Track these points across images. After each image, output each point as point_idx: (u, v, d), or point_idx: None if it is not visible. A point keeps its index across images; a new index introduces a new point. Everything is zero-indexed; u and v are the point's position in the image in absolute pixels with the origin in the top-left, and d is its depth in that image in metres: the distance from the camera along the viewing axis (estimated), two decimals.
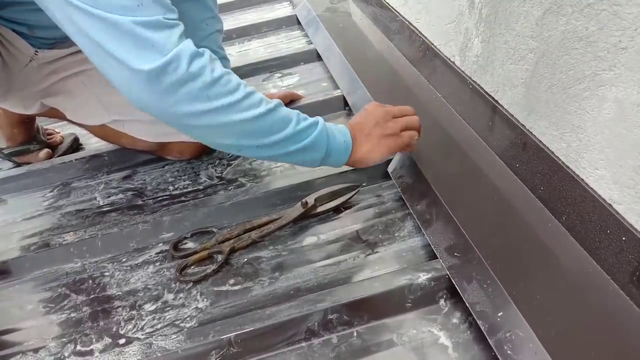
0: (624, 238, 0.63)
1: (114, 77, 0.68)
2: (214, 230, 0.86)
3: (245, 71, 1.31)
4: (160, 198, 0.98)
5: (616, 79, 0.61)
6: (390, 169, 0.92)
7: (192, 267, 0.82)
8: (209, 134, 0.74)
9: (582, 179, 0.70)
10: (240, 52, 1.48)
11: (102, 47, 0.65)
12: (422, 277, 0.69)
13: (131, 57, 0.64)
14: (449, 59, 1.03)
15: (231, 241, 0.83)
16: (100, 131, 1.06)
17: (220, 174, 1.02)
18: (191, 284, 0.79)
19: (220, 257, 0.81)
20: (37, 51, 0.94)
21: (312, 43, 1.41)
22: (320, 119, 0.80)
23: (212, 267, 0.79)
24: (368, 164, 0.84)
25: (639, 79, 0.57)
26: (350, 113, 1.11)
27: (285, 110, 0.76)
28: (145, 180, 1.04)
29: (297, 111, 0.78)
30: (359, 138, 0.82)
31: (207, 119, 0.70)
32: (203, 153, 1.07)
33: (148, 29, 0.64)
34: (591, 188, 0.68)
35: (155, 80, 0.65)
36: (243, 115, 0.70)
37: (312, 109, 1.11)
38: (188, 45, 0.67)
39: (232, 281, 0.78)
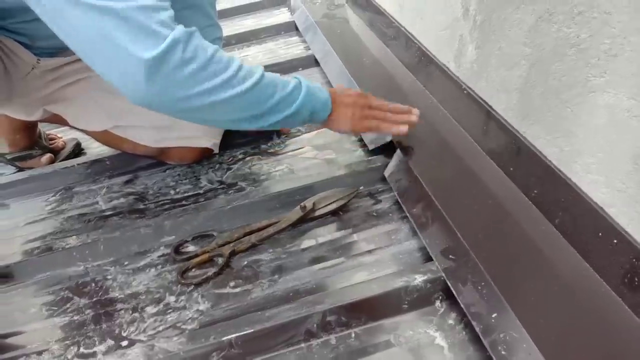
0: (615, 241, 0.64)
1: (110, 71, 0.68)
2: (215, 233, 0.88)
3: None
4: (162, 202, 0.99)
5: (607, 85, 0.62)
6: (387, 173, 0.94)
7: (193, 270, 0.83)
8: (210, 113, 0.74)
9: (575, 183, 0.71)
10: (239, 58, 1.49)
11: (98, 41, 0.65)
12: (418, 279, 0.70)
13: (131, 45, 0.64)
14: (444, 65, 1.05)
15: (231, 244, 0.84)
16: (102, 137, 1.07)
17: (220, 178, 1.03)
18: (192, 286, 0.80)
19: (220, 260, 0.82)
20: (39, 59, 0.95)
21: (310, 49, 1.43)
22: (299, 78, 0.83)
23: (213, 270, 0.81)
24: (339, 128, 0.89)
25: (630, 85, 0.59)
26: None
27: (270, 77, 0.77)
28: (146, 184, 1.05)
29: (273, 74, 0.79)
30: (335, 105, 0.86)
31: (209, 98, 0.71)
32: (204, 157, 1.08)
33: (144, 14, 0.65)
34: (583, 192, 0.70)
35: (156, 67, 0.66)
36: (242, 87, 0.72)
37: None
38: (180, 28, 0.68)
39: (232, 284, 0.79)
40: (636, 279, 0.61)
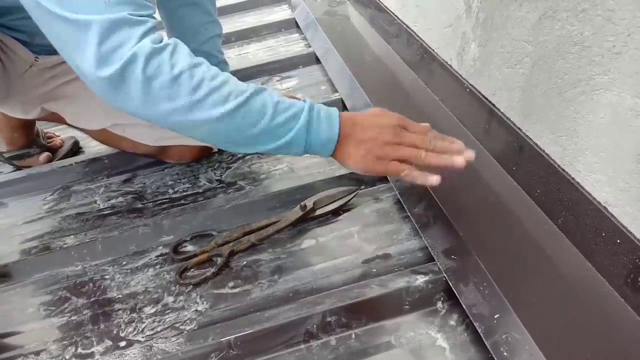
0: (618, 241, 0.63)
1: (84, 80, 0.66)
2: (214, 233, 0.87)
3: (245, 74, 1.32)
4: (160, 201, 0.98)
5: (610, 84, 0.62)
6: None
7: (192, 270, 0.82)
8: (187, 132, 0.70)
9: (578, 182, 0.70)
10: (239, 56, 1.49)
11: (67, 53, 0.65)
12: (420, 280, 0.70)
13: (88, 64, 0.63)
14: (447, 63, 1.04)
15: (230, 244, 0.83)
16: (101, 135, 1.07)
17: (219, 177, 1.02)
18: (191, 286, 0.79)
19: (219, 260, 0.81)
20: (37, 57, 0.95)
21: (310, 46, 1.42)
22: (305, 105, 0.70)
23: (212, 270, 0.80)
24: (347, 167, 0.74)
25: (633, 83, 0.58)
26: None
27: (259, 102, 0.68)
28: (145, 183, 1.04)
29: (278, 98, 0.70)
30: (348, 140, 0.71)
31: (173, 118, 0.66)
32: (203, 156, 1.07)
33: (109, 29, 0.62)
34: (586, 191, 0.69)
35: (116, 85, 0.64)
36: (211, 113, 0.65)
37: None
38: (146, 44, 0.63)
39: (231, 284, 0.79)
40: (639, 279, 0.60)
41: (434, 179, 0.70)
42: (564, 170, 0.73)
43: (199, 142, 1.04)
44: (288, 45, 1.49)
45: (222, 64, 1.10)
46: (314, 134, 0.70)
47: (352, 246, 0.82)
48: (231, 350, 0.67)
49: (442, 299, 0.70)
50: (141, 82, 0.63)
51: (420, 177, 0.71)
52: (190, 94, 0.64)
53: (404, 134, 0.71)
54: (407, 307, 0.70)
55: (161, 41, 0.65)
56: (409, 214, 0.83)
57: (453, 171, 0.71)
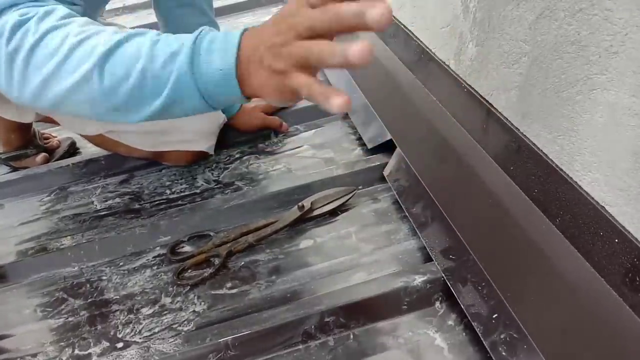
0: (616, 240, 0.63)
1: None
2: (211, 234, 0.87)
3: None
4: (157, 202, 0.98)
5: (608, 83, 0.62)
6: (386, 172, 0.93)
7: (190, 270, 0.82)
8: (67, 109, 0.59)
9: (576, 182, 0.70)
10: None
11: None
12: (418, 280, 0.70)
13: None
14: (444, 63, 1.04)
15: (228, 244, 0.83)
16: (97, 139, 1.06)
17: (217, 178, 1.02)
18: (188, 287, 0.79)
19: (217, 261, 0.81)
20: None
21: None
22: (191, 36, 0.54)
23: (210, 270, 0.80)
24: (269, 101, 0.54)
25: (630, 83, 0.58)
26: (346, 116, 1.12)
27: (134, 47, 0.54)
28: (142, 184, 1.04)
29: (159, 37, 0.54)
30: (250, 67, 0.52)
31: (49, 94, 0.57)
32: (200, 159, 1.07)
33: None
34: (584, 190, 0.69)
35: None
36: (73, 77, 0.54)
37: (307, 114, 1.12)
38: (11, 17, 0.55)
39: (229, 284, 0.79)
40: (637, 279, 0.60)
41: (335, 103, 0.46)
42: (561, 169, 0.73)
43: (194, 147, 1.04)
44: None
45: None
46: (203, 69, 0.52)
47: (350, 246, 0.82)
48: (229, 351, 0.67)
49: (440, 299, 0.70)
50: (5, 58, 0.55)
51: (321, 96, 0.48)
52: (52, 57, 0.54)
53: (298, 19, 0.48)
54: (405, 307, 0.69)
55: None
56: (407, 214, 0.83)
57: (452, 166, 0.71)
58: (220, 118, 1.07)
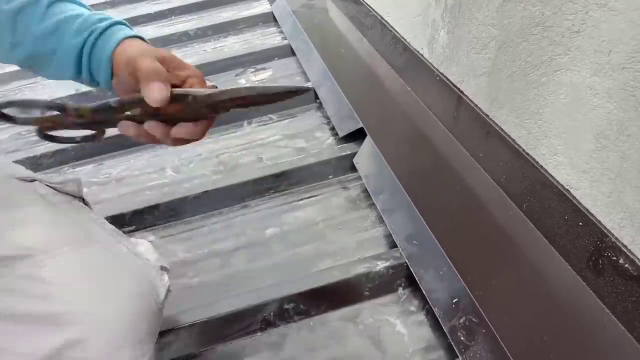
0: (580, 223, 0.62)
1: None
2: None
3: (219, 66, 1.30)
4: None
5: (571, 63, 0.61)
6: (355, 160, 0.91)
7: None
8: None
9: (542, 166, 0.69)
10: (215, 49, 1.47)
11: None
12: (381, 266, 0.68)
13: None
14: (418, 52, 1.03)
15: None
16: None
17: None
18: None
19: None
20: None
21: (286, 39, 1.41)
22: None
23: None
24: None
25: (591, 62, 0.57)
26: (320, 106, 1.11)
27: None
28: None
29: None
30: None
31: None
32: None
33: None
34: (550, 174, 0.68)
35: None
36: None
37: (283, 104, 1.10)
38: None
39: (190, 274, 0.77)
40: (600, 262, 0.59)
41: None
42: (528, 154, 0.71)
43: None
44: (264, 38, 1.47)
45: None
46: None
47: (316, 234, 0.80)
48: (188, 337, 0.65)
49: (403, 285, 0.68)
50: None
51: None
52: None
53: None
54: (368, 293, 0.68)
55: None
56: (374, 202, 0.81)
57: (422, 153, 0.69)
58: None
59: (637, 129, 0.53)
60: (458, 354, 0.57)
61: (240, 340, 0.66)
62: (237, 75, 1.29)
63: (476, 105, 0.83)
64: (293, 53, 1.34)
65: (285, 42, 1.39)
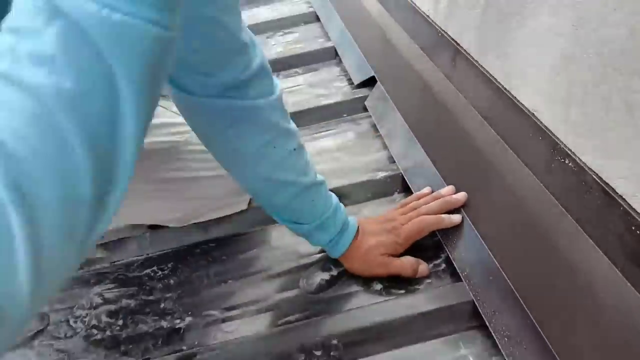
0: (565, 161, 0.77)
1: None
2: None
3: (252, 30, 1.46)
4: None
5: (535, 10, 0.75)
6: (367, 102, 1.07)
7: None
8: None
9: (515, 97, 0.84)
10: (249, 16, 1.64)
11: None
12: (380, 175, 0.85)
13: None
14: (425, 14, 1.18)
15: None
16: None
17: None
18: None
19: None
20: None
21: (312, 7, 1.57)
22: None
23: None
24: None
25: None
26: (340, 62, 1.27)
27: None
28: None
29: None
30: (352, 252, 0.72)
31: None
32: None
33: None
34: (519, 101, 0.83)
35: None
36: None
37: (305, 58, 1.27)
38: None
39: None
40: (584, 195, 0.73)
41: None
42: (505, 88, 0.86)
43: (231, 210, 0.88)
44: (292, 6, 1.63)
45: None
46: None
47: (332, 158, 0.96)
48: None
49: (398, 190, 0.85)
50: None
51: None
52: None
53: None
54: (370, 195, 0.85)
55: None
56: (381, 133, 0.98)
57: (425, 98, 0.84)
58: None
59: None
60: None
61: None
62: (267, 37, 1.46)
63: (470, 56, 0.98)
64: (317, 19, 1.50)
65: (311, 9, 1.55)
